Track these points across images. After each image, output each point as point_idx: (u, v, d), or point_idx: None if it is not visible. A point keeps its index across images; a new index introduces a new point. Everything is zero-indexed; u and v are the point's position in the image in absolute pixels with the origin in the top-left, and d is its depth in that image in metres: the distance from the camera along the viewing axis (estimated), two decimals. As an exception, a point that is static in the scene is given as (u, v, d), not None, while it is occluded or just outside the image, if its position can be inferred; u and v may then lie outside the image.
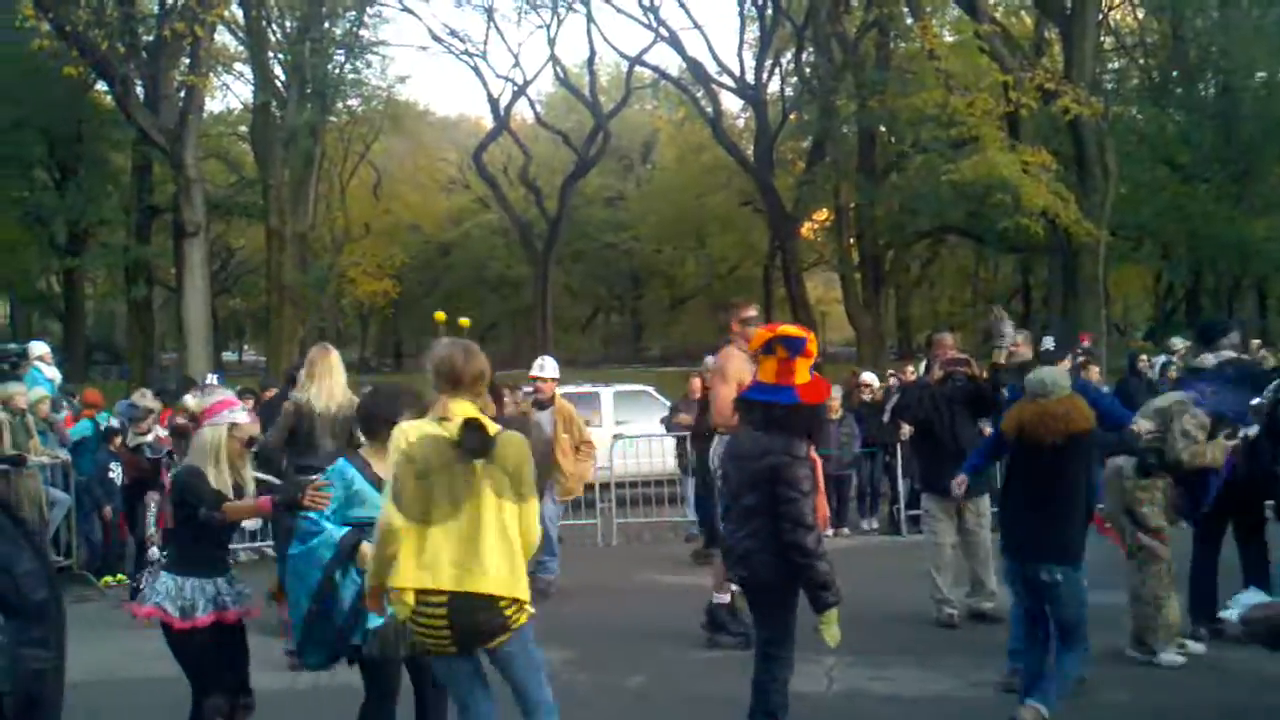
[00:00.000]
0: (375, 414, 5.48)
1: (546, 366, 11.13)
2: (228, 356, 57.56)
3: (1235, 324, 9.14)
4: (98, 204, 34.27)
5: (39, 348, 12.94)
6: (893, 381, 15.69)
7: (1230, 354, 7.93)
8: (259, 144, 29.94)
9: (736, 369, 7.57)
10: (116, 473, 12.14)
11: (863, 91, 30.80)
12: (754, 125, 40.27)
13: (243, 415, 5.79)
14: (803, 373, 5.52)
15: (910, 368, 16.03)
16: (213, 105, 38.01)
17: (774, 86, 41.02)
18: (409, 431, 4.63)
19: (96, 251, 35.56)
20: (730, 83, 39.46)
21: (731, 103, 43.70)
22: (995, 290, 49.08)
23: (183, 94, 26.80)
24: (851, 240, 35.10)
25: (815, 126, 35.01)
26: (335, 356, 8.37)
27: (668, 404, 16.88)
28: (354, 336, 63.58)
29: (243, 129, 39.16)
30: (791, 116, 38.96)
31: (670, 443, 14.92)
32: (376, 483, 5.20)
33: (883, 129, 33.64)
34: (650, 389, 20.04)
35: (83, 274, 39.50)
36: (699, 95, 40.00)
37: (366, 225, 46.55)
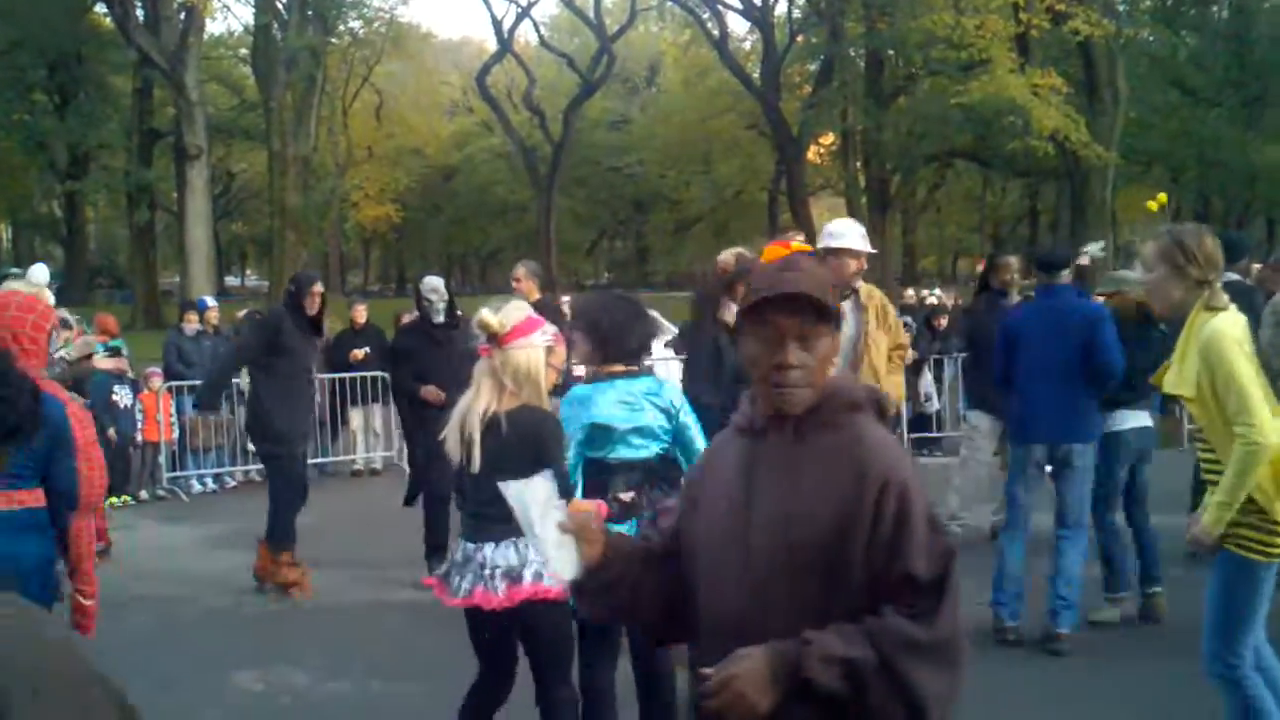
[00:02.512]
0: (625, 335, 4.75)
1: (846, 234, 6.92)
2: (230, 281, 57.52)
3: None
4: (98, 127, 34.09)
5: (41, 274, 12.81)
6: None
7: (1234, 276, 7.79)
8: (260, 67, 29.69)
9: None
10: (121, 395, 12.13)
11: (871, 13, 30.41)
12: (760, 48, 39.82)
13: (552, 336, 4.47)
14: None
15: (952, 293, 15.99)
16: (213, 27, 37.70)
17: (781, 8, 40.61)
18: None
19: (97, 175, 35.42)
20: (737, 4, 38.99)
21: (738, 25, 43.36)
22: (1002, 215, 48.86)
23: (183, 16, 26.57)
24: (858, 165, 34.84)
25: (822, 49, 34.62)
26: None
27: (674, 328, 16.80)
28: (357, 261, 63.50)
29: (244, 52, 38.85)
30: (799, 39, 38.54)
31: (675, 366, 14.86)
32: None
33: (891, 52, 33.27)
34: (655, 313, 19.95)
35: (84, 198, 39.36)
36: (705, 17, 39.56)
37: (369, 149, 46.27)
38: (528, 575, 4.21)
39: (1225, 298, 4.18)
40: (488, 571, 4.25)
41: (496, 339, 4.19)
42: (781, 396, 2.32)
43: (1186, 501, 8.29)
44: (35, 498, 4.25)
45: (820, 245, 6.81)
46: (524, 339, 4.23)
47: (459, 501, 4.52)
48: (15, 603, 1.67)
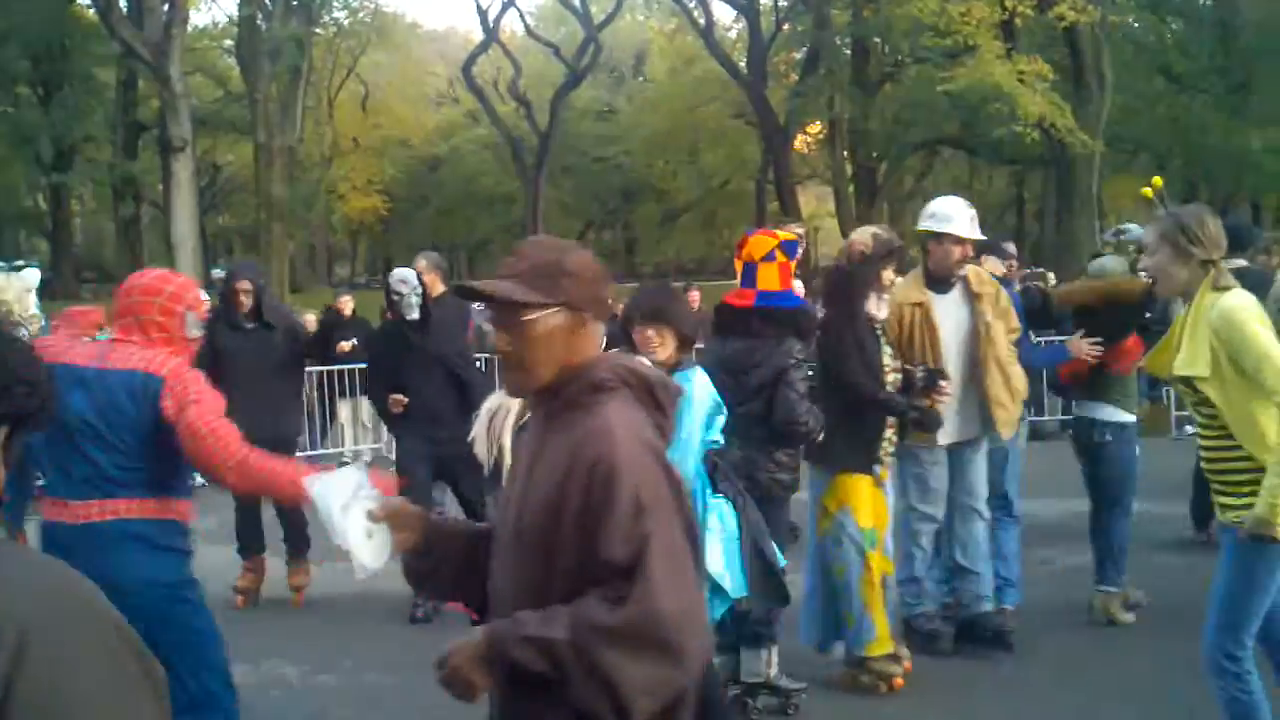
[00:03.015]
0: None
1: (953, 217, 6.45)
2: (217, 273, 57.36)
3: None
4: (83, 120, 33.98)
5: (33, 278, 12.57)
6: None
7: (1242, 262, 7.76)
8: (245, 58, 29.61)
9: None
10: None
11: (857, 1, 30.40)
12: (747, 36, 39.76)
13: None
14: (790, 276, 5.56)
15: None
16: (197, 18, 37.54)
17: (767, -3, 40.53)
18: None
19: (82, 169, 35.28)
20: (723, -8, 38.96)
21: (724, 13, 43.16)
22: (989, 203, 48.91)
23: (166, 7, 26.45)
24: (845, 153, 34.85)
25: (809, 37, 34.60)
26: None
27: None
28: (344, 253, 63.38)
29: (228, 43, 38.71)
30: (785, 27, 38.49)
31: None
32: None
33: (877, 40, 33.27)
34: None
35: (69, 191, 39.21)
36: (691, 5, 39.47)
37: (355, 140, 46.19)
38: None
39: (1231, 277, 4.18)
40: None
41: None
42: (504, 382, 2.48)
43: (1178, 490, 8.34)
44: (140, 507, 3.99)
45: (921, 228, 6.56)
46: None
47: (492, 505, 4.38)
48: (32, 551, 1.72)
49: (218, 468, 4.03)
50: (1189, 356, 4.13)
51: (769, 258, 5.49)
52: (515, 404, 3.99)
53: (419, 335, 7.36)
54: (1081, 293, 7.05)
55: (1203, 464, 4.27)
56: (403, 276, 7.50)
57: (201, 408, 4.01)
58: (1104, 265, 7.21)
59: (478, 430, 4.14)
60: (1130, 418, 6.71)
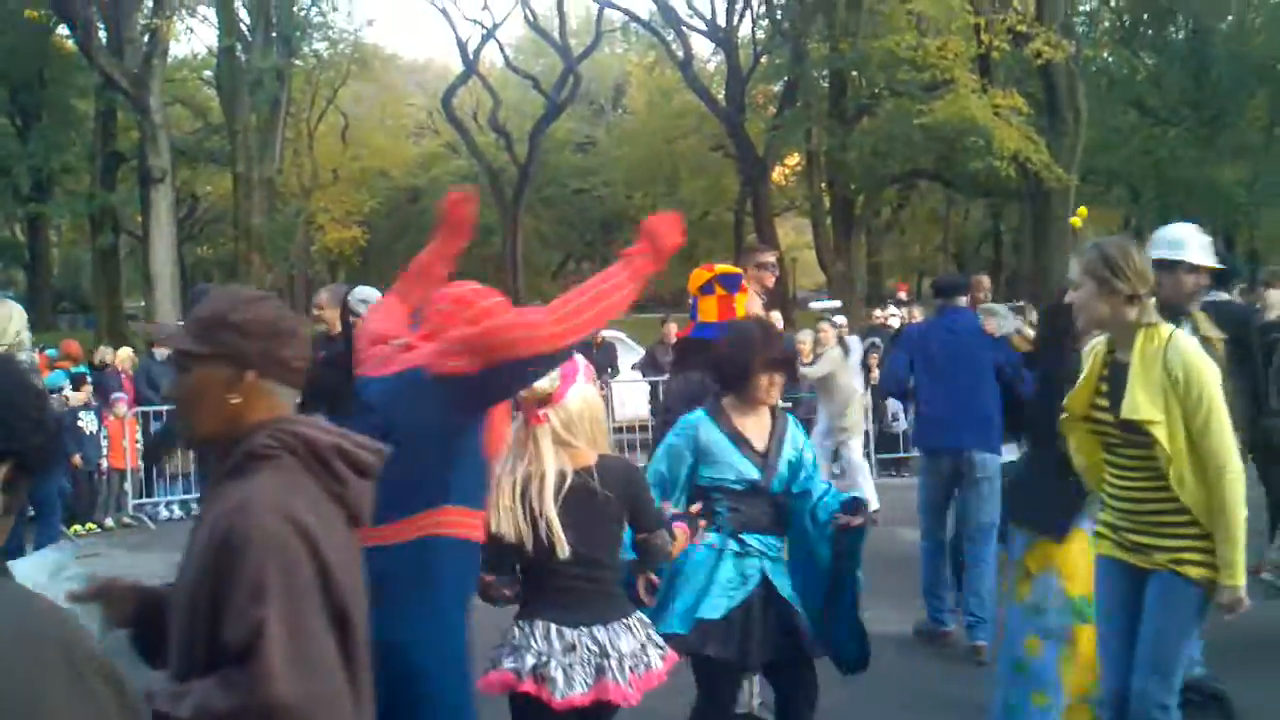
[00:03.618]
0: (733, 361, 4.68)
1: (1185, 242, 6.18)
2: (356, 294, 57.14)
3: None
4: (61, 150, 33.93)
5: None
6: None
7: (1225, 296, 7.76)
8: (224, 89, 29.59)
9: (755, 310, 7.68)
10: (86, 422, 12.08)
11: (834, 34, 30.62)
12: (725, 69, 39.99)
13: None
14: (741, 308, 5.61)
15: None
16: (177, 49, 37.50)
17: (745, 30, 40.79)
18: None
19: (61, 199, 35.20)
20: (701, 25, 39.20)
21: (702, 46, 43.50)
22: (966, 235, 49.18)
23: (146, 38, 26.44)
24: (823, 185, 35.01)
25: (786, 70, 34.83)
26: None
27: (641, 350, 16.88)
28: (323, 284, 63.26)
29: (208, 74, 38.74)
30: (763, 60, 38.75)
31: (644, 388, 14.93)
32: (735, 438, 4.64)
33: (854, 73, 33.48)
34: (623, 335, 20.01)
35: (47, 222, 39.10)
36: (669, 38, 39.71)
37: (334, 171, 46.20)
38: (654, 658, 3.69)
39: (1155, 314, 4.06)
40: (613, 660, 3.58)
41: (549, 399, 3.69)
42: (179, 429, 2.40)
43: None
44: (453, 521, 3.48)
45: (1154, 255, 6.48)
46: (573, 384, 3.76)
47: (506, 582, 3.79)
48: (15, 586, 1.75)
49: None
50: (1140, 401, 3.95)
51: (706, 290, 5.63)
52: (550, 470, 3.62)
53: None
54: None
55: (1120, 503, 4.13)
56: (365, 296, 6.21)
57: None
58: (993, 309, 7.42)
59: (505, 513, 3.63)
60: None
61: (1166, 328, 4.02)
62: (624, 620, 3.68)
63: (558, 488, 3.60)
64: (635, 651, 3.64)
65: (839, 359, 11.29)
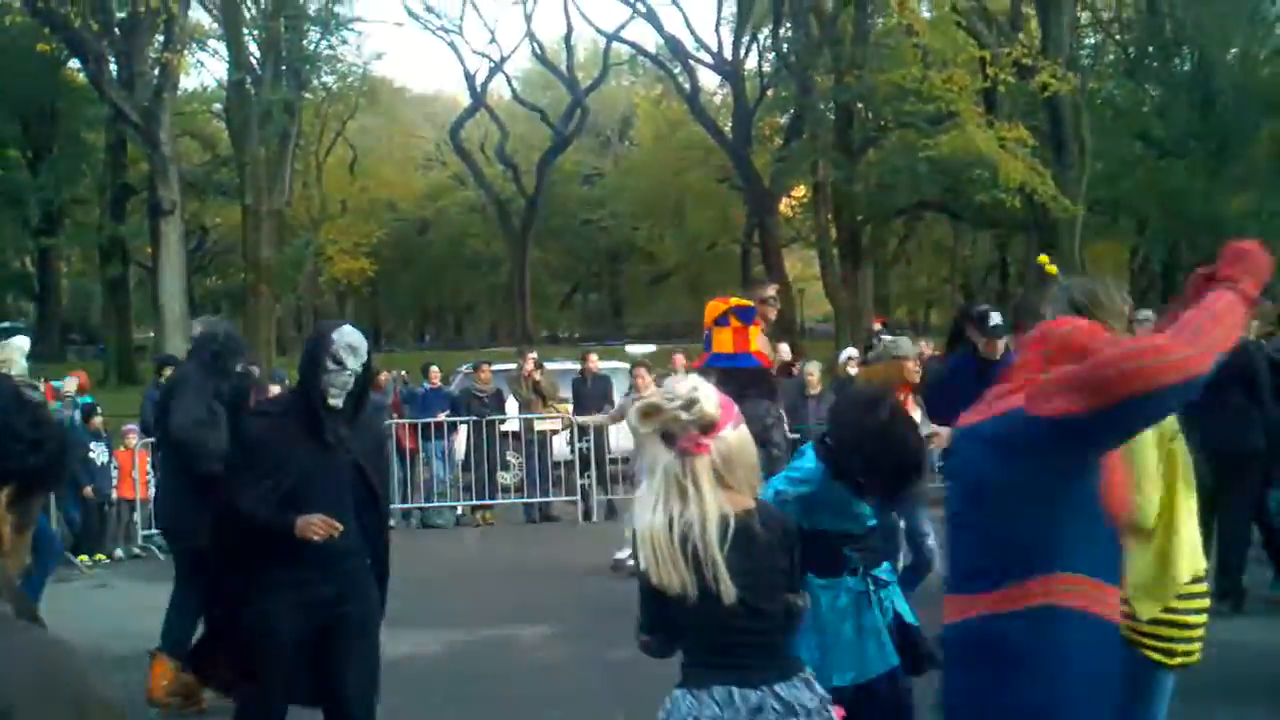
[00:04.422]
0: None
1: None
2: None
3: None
4: (72, 183, 34.15)
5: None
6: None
7: None
8: (234, 121, 29.79)
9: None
10: (97, 452, 12.14)
11: (840, 67, 30.76)
12: (731, 101, 40.21)
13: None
14: (755, 340, 5.66)
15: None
16: (187, 83, 37.81)
17: (751, 62, 41.04)
18: None
19: (71, 231, 35.40)
20: (708, 58, 39.44)
21: (709, 79, 43.67)
22: (973, 267, 49.27)
23: (157, 71, 26.69)
24: (829, 216, 35.07)
25: (792, 102, 34.98)
26: None
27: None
28: (332, 315, 63.46)
29: (217, 106, 38.99)
30: (769, 92, 38.93)
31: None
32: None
33: (860, 105, 33.61)
34: (628, 368, 19.99)
35: (57, 253, 39.28)
36: (676, 71, 39.96)
37: (343, 203, 46.44)
38: (832, 713, 3.35)
39: None
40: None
41: (713, 427, 3.19)
42: None
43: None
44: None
45: None
46: (732, 416, 3.27)
47: (661, 642, 3.44)
48: (23, 625, 1.76)
49: None
50: None
51: (721, 322, 5.68)
52: (713, 509, 3.13)
53: (342, 428, 4.68)
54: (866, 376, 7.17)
55: None
56: (351, 343, 4.66)
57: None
58: (896, 344, 7.26)
59: (664, 560, 3.15)
60: None
61: None
62: (801, 674, 3.33)
63: (722, 531, 3.13)
64: (817, 708, 3.28)
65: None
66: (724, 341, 5.67)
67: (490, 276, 53.66)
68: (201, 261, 47.49)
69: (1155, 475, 3.71)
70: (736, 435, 3.23)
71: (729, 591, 3.09)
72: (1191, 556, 3.78)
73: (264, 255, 28.70)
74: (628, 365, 19.85)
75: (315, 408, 4.61)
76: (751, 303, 5.88)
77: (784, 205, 41.08)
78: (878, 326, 22.17)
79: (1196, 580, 3.78)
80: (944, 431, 4.80)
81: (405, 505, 13.90)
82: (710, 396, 3.18)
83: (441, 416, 14.26)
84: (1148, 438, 3.63)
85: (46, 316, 39.74)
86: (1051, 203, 23.31)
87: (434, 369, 15.28)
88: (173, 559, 7.04)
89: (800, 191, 40.95)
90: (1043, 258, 5.83)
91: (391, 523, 13.87)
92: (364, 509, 4.76)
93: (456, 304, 62.24)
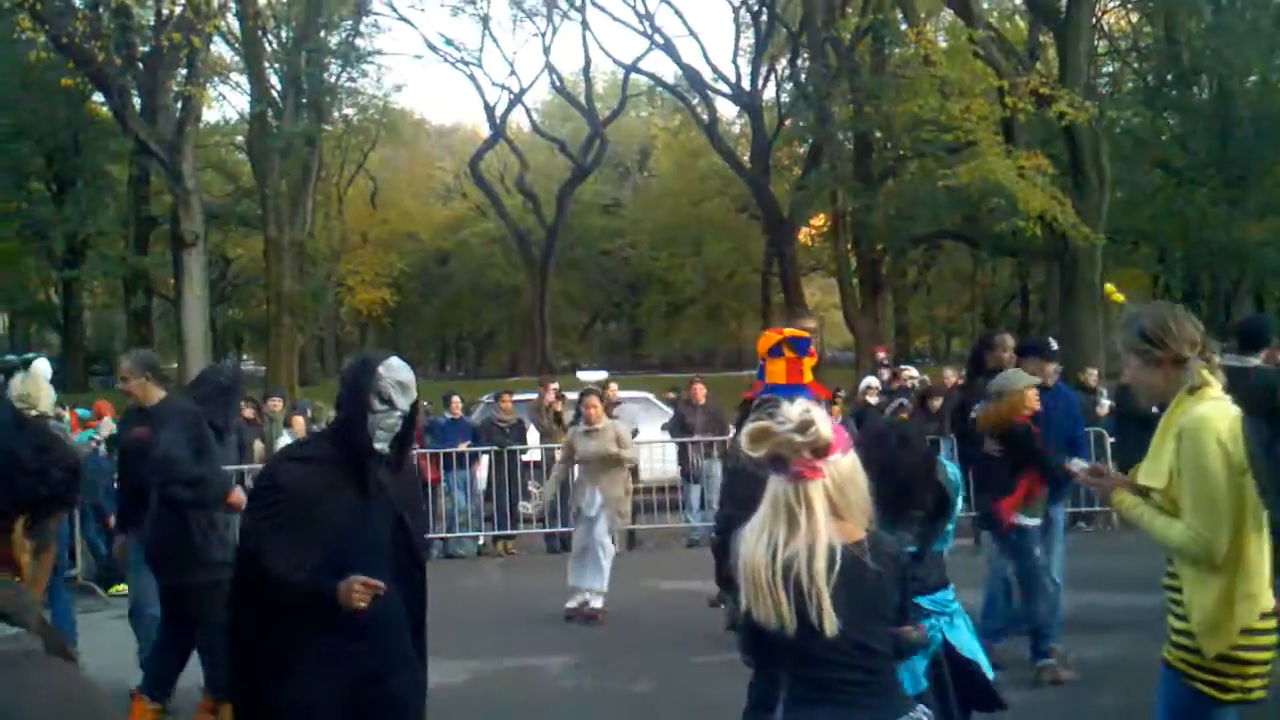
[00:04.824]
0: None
1: None
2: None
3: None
4: (95, 215, 34.39)
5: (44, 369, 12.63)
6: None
7: (1256, 361, 7.39)
8: (256, 154, 29.98)
9: None
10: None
11: (858, 97, 30.86)
12: (750, 131, 40.38)
13: None
14: (808, 371, 5.67)
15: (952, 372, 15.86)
16: (209, 115, 38.15)
17: (769, 93, 41.22)
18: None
19: (95, 262, 35.65)
20: (726, 89, 39.60)
21: (727, 109, 43.91)
22: (993, 295, 49.19)
23: (180, 104, 26.91)
24: (849, 246, 35.12)
25: (811, 132, 35.08)
26: None
27: (669, 410, 16.92)
28: (353, 345, 63.68)
29: (239, 139, 39.31)
30: (787, 122, 39.06)
31: (672, 449, 14.96)
32: None
33: (879, 134, 33.69)
34: (651, 395, 20.04)
35: (81, 285, 39.55)
36: (695, 102, 40.12)
37: (364, 234, 46.68)
38: None
39: (1204, 375, 3.80)
40: None
41: (828, 449, 3.04)
42: None
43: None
44: None
45: None
46: (843, 442, 3.12)
47: (758, 665, 3.27)
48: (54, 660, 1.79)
49: None
50: (1151, 466, 3.82)
51: (775, 352, 5.69)
52: (823, 538, 3.00)
53: (378, 482, 4.07)
54: (989, 418, 7.16)
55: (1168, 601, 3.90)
56: (402, 379, 4.05)
57: None
58: (1008, 379, 7.27)
59: (762, 589, 3.02)
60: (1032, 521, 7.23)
61: (1202, 391, 3.79)
62: (912, 712, 3.16)
63: (829, 563, 2.98)
64: None
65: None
66: (777, 372, 5.70)
67: (510, 307, 53.81)
68: (224, 293, 47.75)
69: (1225, 512, 3.64)
70: (849, 461, 3.10)
71: (832, 625, 2.95)
72: (1261, 594, 3.71)
73: (286, 286, 28.85)
74: (650, 395, 19.93)
75: (360, 454, 3.98)
76: (806, 334, 5.91)
77: (803, 234, 41.15)
78: (881, 355, 22.15)
79: (1265, 617, 3.71)
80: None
81: (427, 536, 13.93)
82: (824, 419, 3.06)
83: (463, 446, 14.28)
84: (1218, 471, 3.63)
85: (70, 347, 39.96)
86: (1072, 231, 23.26)
87: (455, 399, 15.29)
88: (160, 596, 6.90)
89: (819, 221, 41.03)
90: (1109, 287, 5.80)
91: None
92: (404, 572, 4.16)
93: (477, 334, 62.40)
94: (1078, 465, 4.35)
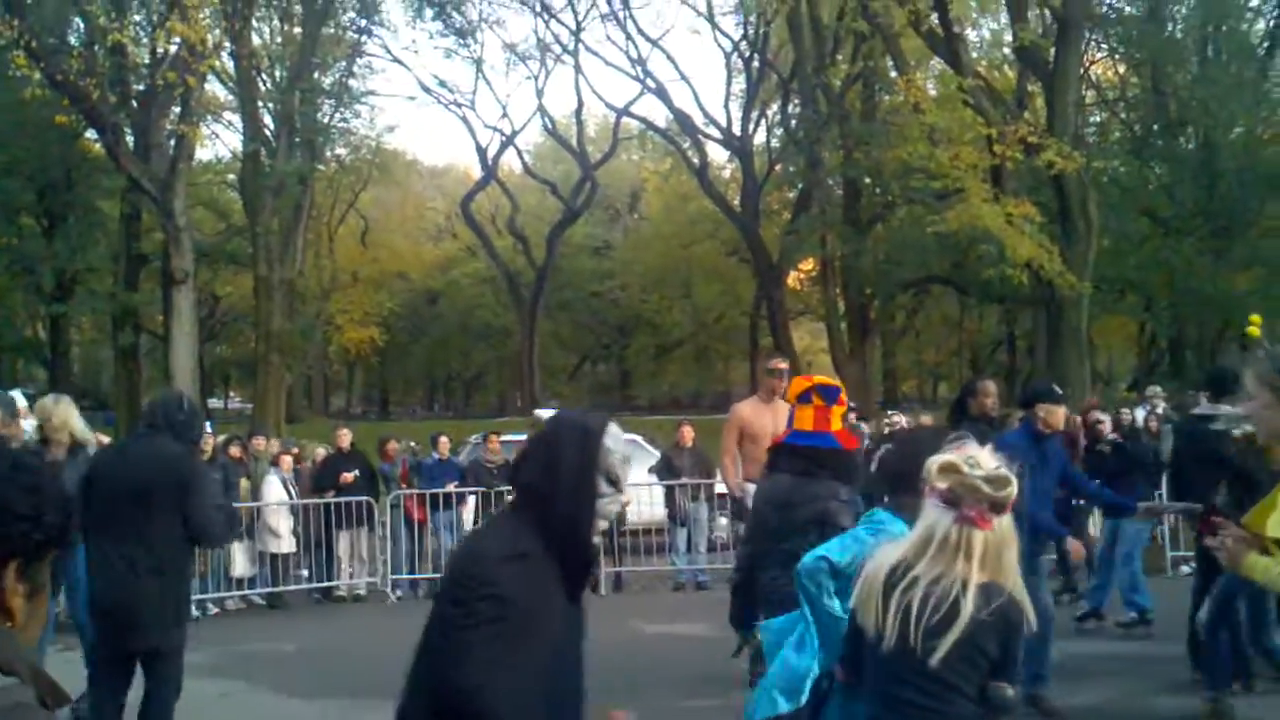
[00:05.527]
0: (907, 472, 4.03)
1: None
2: (213, 403, 57.47)
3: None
4: (85, 251, 34.32)
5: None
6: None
7: (1227, 408, 7.45)
8: (248, 192, 30.08)
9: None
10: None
11: (848, 143, 31.06)
12: (740, 176, 40.59)
13: None
14: (837, 420, 5.69)
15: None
16: (202, 153, 38.19)
17: (760, 138, 41.46)
18: None
19: (83, 298, 35.56)
20: (717, 134, 39.85)
21: (718, 153, 44.12)
22: (980, 340, 49.32)
23: (173, 143, 26.98)
24: (837, 290, 35.26)
25: (801, 177, 35.30)
26: None
27: (656, 453, 16.92)
28: (341, 384, 63.54)
29: (231, 177, 39.34)
30: (777, 167, 39.30)
31: (659, 491, 14.95)
32: None
33: (868, 180, 33.87)
34: (639, 438, 20.00)
35: (69, 320, 39.45)
36: (686, 146, 40.32)
37: (354, 273, 46.69)
38: None
39: None
40: None
41: (1006, 507, 3.14)
42: None
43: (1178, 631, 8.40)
44: None
45: None
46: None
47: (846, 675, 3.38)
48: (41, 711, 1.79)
49: None
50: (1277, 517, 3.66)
51: (804, 399, 5.71)
52: (974, 582, 3.08)
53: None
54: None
55: None
56: (625, 451, 3.23)
57: None
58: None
59: (873, 589, 3.17)
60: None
61: None
62: None
63: (978, 606, 3.08)
64: None
65: None
66: (805, 419, 5.71)
67: (499, 347, 53.84)
68: (213, 330, 47.70)
69: None
70: (1008, 521, 3.16)
71: (938, 659, 3.06)
72: None
73: (275, 324, 28.87)
74: (639, 437, 19.88)
75: (584, 553, 3.19)
76: (837, 382, 5.92)
77: (792, 278, 41.31)
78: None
79: None
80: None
81: (414, 576, 13.92)
82: (1015, 481, 3.14)
83: (450, 487, 14.27)
84: None
85: (58, 383, 39.74)
86: (1058, 279, 23.38)
87: (443, 439, 15.27)
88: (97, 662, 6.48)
89: (808, 265, 41.19)
90: (1254, 318, 5.78)
91: (399, 593, 13.93)
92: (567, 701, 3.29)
93: (465, 374, 62.37)
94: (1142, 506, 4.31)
